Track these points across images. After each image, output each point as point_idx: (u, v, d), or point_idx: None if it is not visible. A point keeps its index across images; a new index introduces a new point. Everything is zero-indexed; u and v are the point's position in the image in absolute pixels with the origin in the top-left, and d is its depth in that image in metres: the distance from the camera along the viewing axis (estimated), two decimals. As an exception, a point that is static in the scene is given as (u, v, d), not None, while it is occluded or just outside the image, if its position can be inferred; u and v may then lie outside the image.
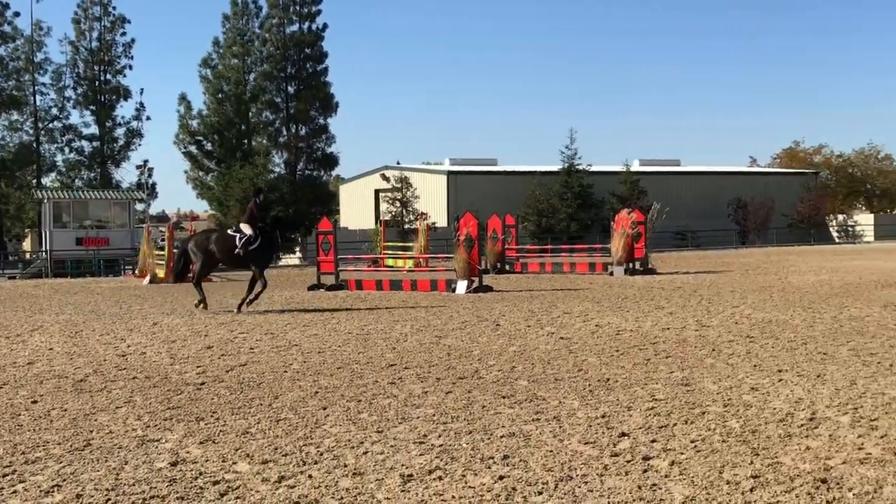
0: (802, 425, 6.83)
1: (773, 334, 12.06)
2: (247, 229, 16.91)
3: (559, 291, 20.42)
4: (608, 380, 8.89)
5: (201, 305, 16.76)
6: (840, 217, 58.17)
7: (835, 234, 56.62)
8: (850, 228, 56.52)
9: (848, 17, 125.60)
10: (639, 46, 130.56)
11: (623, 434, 6.67)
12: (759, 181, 57.31)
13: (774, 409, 7.41)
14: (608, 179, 51.96)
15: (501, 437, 6.67)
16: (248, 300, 16.78)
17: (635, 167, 56.19)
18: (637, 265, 26.20)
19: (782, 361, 9.78)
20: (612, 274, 25.85)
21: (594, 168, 52.38)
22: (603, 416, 7.25)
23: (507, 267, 28.79)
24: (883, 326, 12.61)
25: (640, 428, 6.84)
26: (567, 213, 49.47)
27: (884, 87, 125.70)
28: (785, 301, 16.71)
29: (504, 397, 8.11)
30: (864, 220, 56.67)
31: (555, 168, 51.92)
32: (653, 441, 6.45)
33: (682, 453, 6.13)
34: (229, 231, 17.91)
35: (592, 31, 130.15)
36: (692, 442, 6.40)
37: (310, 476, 5.73)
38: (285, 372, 9.72)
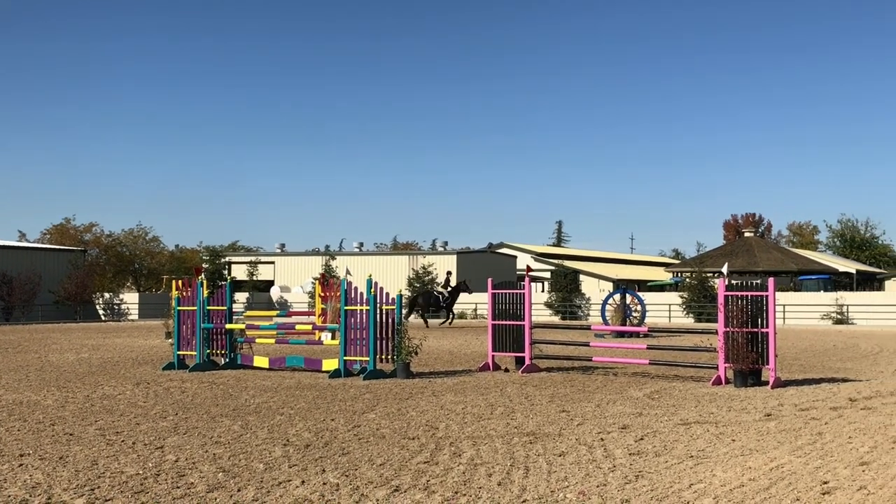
0: (36, 511, 6.75)
1: (23, 416, 11.76)
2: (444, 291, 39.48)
3: None
4: None
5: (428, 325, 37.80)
6: (107, 295, 58.96)
7: (101, 312, 57.30)
8: (116, 306, 57.66)
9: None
10: None
11: None
12: (26, 256, 55.60)
13: (10, 496, 7.21)
14: None
15: None
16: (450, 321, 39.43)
17: None
18: None
19: (26, 445, 9.57)
20: None
21: None
22: None
23: None
24: (133, 404, 13.09)
25: None
26: None
27: (151, 172, 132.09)
28: (41, 381, 16.41)
29: None
30: (131, 299, 58.23)
31: None
32: None
33: None
34: (435, 292, 39.66)
35: None
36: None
37: None
38: None
